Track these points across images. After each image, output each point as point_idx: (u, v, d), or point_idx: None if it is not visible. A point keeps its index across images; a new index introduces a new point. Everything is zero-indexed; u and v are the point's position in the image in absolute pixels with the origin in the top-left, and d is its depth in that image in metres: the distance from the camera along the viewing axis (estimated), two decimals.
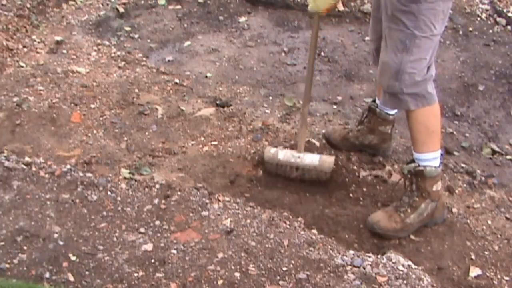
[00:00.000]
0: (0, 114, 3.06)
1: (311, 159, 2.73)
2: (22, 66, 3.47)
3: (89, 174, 2.69)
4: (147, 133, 3.02)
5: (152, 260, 2.27)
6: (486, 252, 2.44)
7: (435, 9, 2.26)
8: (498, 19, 4.13)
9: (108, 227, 2.42)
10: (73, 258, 2.26)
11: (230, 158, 2.87)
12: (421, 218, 2.50)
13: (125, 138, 2.98)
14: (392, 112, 2.82)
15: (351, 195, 2.71)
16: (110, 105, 3.20)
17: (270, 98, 3.34)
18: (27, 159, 2.75)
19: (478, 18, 4.13)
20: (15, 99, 3.17)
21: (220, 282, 2.19)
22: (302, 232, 2.44)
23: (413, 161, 2.51)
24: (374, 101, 2.86)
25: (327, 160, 2.72)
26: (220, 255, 2.31)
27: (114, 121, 3.08)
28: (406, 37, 2.28)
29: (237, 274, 2.23)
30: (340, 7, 4.18)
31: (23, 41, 3.71)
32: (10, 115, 3.05)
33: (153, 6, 4.26)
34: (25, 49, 3.63)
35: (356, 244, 2.46)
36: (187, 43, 3.86)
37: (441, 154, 2.50)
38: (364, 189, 2.74)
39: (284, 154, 2.74)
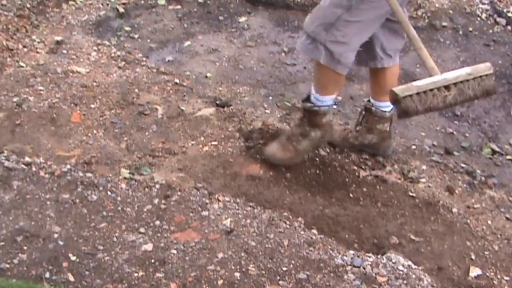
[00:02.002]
0: (0, 114, 3.06)
1: (458, 72, 2.19)
2: (22, 66, 3.46)
3: (89, 174, 2.69)
4: (147, 133, 3.02)
5: (152, 260, 2.27)
6: (486, 252, 2.44)
7: None
8: (498, 19, 4.13)
9: (108, 227, 2.42)
10: (73, 258, 2.26)
11: (230, 158, 2.87)
12: (312, 143, 2.75)
13: (125, 138, 2.98)
14: (388, 109, 2.82)
15: (351, 195, 2.71)
16: (110, 105, 3.20)
17: (270, 98, 3.34)
18: (27, 159, 2.75)
19: (478, 18, 4.12)
20: (15, 99, 3.17)
21: (220, 282, 2.19)
22: (302, 232, 2.44)
23: (308, 99, 2.69)
24: (369, 100, 2.86)
25: (481, 65, 2.23)
26: (220, 255, 2.31)
27: (114, 121, 3.08)
28: None
29: (237, 274, 2.23)
30: None
31: (23, 41, 3.71)
32: (10, 115, 3.05)
33: (153, 6, 4.25)
34: (25, 49, 3.63)
35: (356, 244, 2.46)
36: (187, 43, 3.86)
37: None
38: (364, 189, 2.74)
39: (420, 82, 2.20)
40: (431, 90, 2.16)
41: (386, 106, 2.81)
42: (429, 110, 2.21)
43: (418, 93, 2.15)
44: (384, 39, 2.63)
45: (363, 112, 2.88)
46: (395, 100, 2.20)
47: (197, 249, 2.33)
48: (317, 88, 2.67)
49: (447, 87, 2.15)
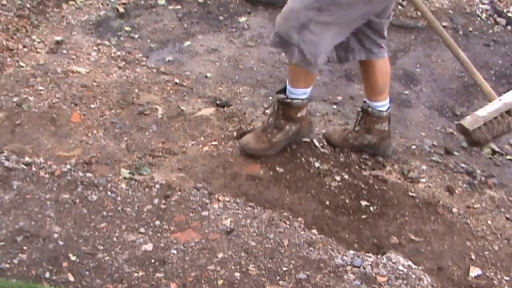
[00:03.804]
0: (0, 114, 3.06)
1: None
2: (22, 66, 3.47)
3: (89, 174, 2.69)
4: (147, 133, 3.02)
5: (152, 260, 2.27)
6: (486, 252, 2.44)
7: None
8: (498, 19, 4.13)
9: (108, 227, 2.42)
10: (73, 258, 2.26)
11: (230, 158, 2.87)
12: (286, 137, 2.80)
13: (125, 138, 2.98)
14: (384, 108, 2.82)
15: (351, 195, 2.71)
16: (110, 105, 3.20)
17: (270, 98, 3.34)
18: (27, 159, 2.76)
19: (478, 18, 4.13)
20: (15, 99, 3.17)
21: (220, 282, 2.19)
22: (302, 232, 2.44)
23: (284, 91, 2.73)
24: (365, 101, 2.86)
25: None
26: (220, 255, 2.31)
27: (114, 121, 3.08)
28: (324, 0, 2.39)
29: (237, 274, 2.23)
30: None
31: (23, 41, 3.71)
32: (10, 115, 3.05)
33: (153, 6, 4.25)
34: (25, 49, 3.63)
35: (356, 244, 2.46)
36: (187, 43, 3.86)
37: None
38: (364, 189, 2.73)
39: (483, 111, 2.30)
40: (495, 118, 2.27)
41: (382, 105, 2.81)
42: (497, 137, 2.36)
43: (485, 123, 2.26)
44: (361, 34, 2.63)
45: (361, 113, 2.88)
46: (465, 133, 2.29)
47: (197, 249, 2.33)
48: (289, 80, 2.72)
49: (508, 112, 2.28)
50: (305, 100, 2.77)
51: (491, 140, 2.33)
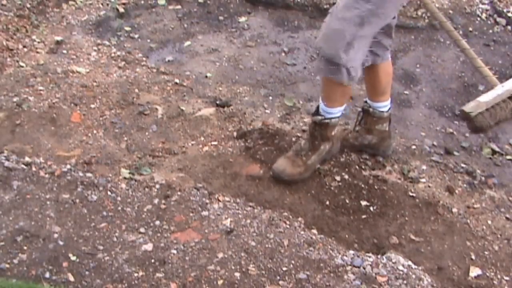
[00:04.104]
0: (0, 114, 3.06)
1: None
2: (22, 66, 3.47)
3: (89, 174, 2.69)
4: (147, 133, 3.02)
5: (152, 260, 2.27)
6: (486, 252, 2.44)
7: None
8: (498, 19, 4.13)
9: (108, 227, 2.42)
10: (73, 258, 2.26)
11: (230, 158, 2.87)
12: (320, 157, 2.74)
13: (125, 138, 2.98)
14: (386, 109, 2.82)
15: (351, 195, 2.71)
16: (110, 105, 3.20)
17: (270, 98, 3.34)
18: (27, 159, 2.76)
19: (478, 18, 4.12)
20: (15, 99, 3.17)
21: (220, 282, 2.19)
22: (302, 232, 2.44)
23: (318, 112, 2.69)
24: (366, 101, 2.86)
25: None
26: (220, 255, 2.31)
27: (114, 121, 3.08)
28: (365, 13, 2.34)
29: (237, 274, 2.23)
30: None
31: (23, 41, 3.71)
32: (10, 115, 3.05)
33: (153, 6, 4.26)
34: (25, 49, 3.63)
35: (356, 244, 2.46)
36: (187, 43, 3.86)
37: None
38: (364, 189, 2.73)
39: (486, 96, 2.35)
40: (497, 103, 2.29)
41: (384, 106, 2.81)
42: (499, 123, 2.37)
43: (487, 109, 2.29)
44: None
45: (361, 114, 2.88)
46: (467, 118, 2.32)
47: (197, 249, 2.33)
48: (326, 101, 2.65)
49: (510, 98, 2.30)
50: (341, 117, 2.73)
51: (493, 125, 2.36)
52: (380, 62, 2.70)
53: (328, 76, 2.54)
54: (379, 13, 2.38)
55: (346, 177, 2.78)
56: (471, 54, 2.42)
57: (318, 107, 2.71)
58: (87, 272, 2.21)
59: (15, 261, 2.23)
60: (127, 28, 3.99)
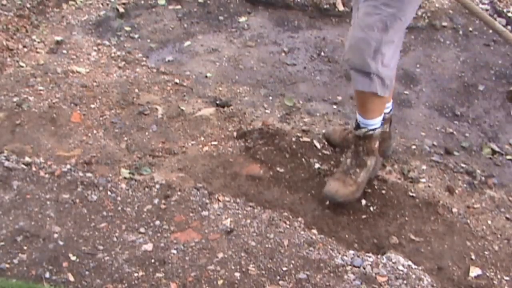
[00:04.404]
0: (0, 114, 3.06)
1: None
2: (22, 66, 3.47)
3: (89, 174, 2.69)
4: (147, 133, 3.02)
5: (152, 260, 2.27)
6: (486, 252, 2.44)
7: None
8: (498, 19, 4.12)
9: (108, 227, 2.42)
10: (73, 258, 2.26)
11: (230, 158, 2.87)
12: (368, 173, 2.64)
13: (125, 138, 2.98)
14: (387, 110, 2.82)
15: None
16: (110, 105, 3.20)
17: (270, 98, 3.34)
18: (27, 159, 2.76)
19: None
20: (15, 99, 3.17)
21: (220, 282, 2.19)
22: (302, 232, 2.44)
23: (358, 126, 2.60)
24: None
25: None
26: (220, 255, 2.31)
27: (114, 121, 3.08)
28: (387, 17, 2.31)
29: (237, 274, 2.23)
30: (340, 7, 4.18)
31: (23, 41, 3.71)
32: (10, 115, 3.05)
33: (153, 6, 4.26)
34: (25, 49, 3.64)
35: (356, 244, 2.46)
36: (187, 43, 3.86)
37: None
38: (364, 189, 2.73)
39: None
40: None
41: (385, 107, 2.81)
42: None
43: None
44: None
45: None
46: None
47: (197, 249, 2.33)
48: (364, 114, 2.57)
49: None
50: (381, 127, 2.64)
51: None
52: None
53: (362, 89, 2.47)
54: (401, 16, 2.34)
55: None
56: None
57: (357, 122, 2.61)
58: (87, 272, 2.21)
59: (15, 261, 2.23)
60: (127, 28, 3.99)
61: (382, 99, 2.52)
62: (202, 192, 2.62)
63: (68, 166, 2.73)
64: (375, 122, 2.58)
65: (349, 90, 3.45)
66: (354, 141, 2.64)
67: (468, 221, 2.59)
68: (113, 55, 3.66)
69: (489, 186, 2.79)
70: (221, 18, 4.14)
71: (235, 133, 3.03)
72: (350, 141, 2.89)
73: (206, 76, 3.52)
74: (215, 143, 2.97)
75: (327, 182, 2.62)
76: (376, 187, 2.74)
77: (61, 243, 2.32)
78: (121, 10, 4.18)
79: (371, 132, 2.59)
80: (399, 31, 2.40)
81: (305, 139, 2.96)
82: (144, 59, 3.67)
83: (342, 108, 3.28)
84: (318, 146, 2.94)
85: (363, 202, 2.66)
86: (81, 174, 2.69)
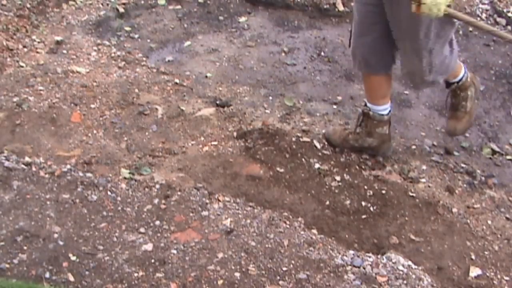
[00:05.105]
0: (0, 114, 3.06)
1: None
2: (22, 66, 3.47)
3: (89, 174, 2.69)
4: (147, 133, 3.02)
5: (152, 260, 2.27)
6: (486, 252, 2.44)
7: None
8: (498, 19, 4.12)
9: (108, 227, 2.42)
10: (73, 258, 2.26)
11: (230, 158, 2.87)
12: (472, 100, 2.93)
13: (125, 138, 2.98)
14: (386, 112, 2.82)
15: (351, 195, 2.71)
16: (110, 105, 3.20)
17: (270, 98, 3.34)
18: (27, 159, 2.76)
19: (478, 18, 4.12)
20: (15, 99, 3.17)
21: (220, 282, 2.19)
22: (302, 232, 2.44)
23: (449, 84, 2.89)
24: (365, 105, 2.86)
25: None
26: (220, 255, 2.31)
27: (114, 121, 3.08)
28: (451, 34, 2.61)
29: (237, 274, 2.23)
30: (340, 7, 4.18)
31: (23, 41, 3.71)
32: (10, 115, 3.05)
33: (153, 6, 4.26)
34: (25, 49, 3.64)
35: (356, 244, 2.46)
36: (187, 43, 3.86)
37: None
38: (364, 189, 2.73)
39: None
40: None
41: (384, 109, 2.81)
42: None
43: None
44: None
45: (361, 116, 2.88)
46: None
47: (197, 249, 2.33)
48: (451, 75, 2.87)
49: None
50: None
51: None
52: (388, 71, 2.77)
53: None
54: (442, 20, 2.48)
55: (346, 177, 2.78)
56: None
57: (449, 82, 2.88)
58: (87, 272, 2.21)
59: (15, 261, 2.23)
60: (127, 28, 3.99)
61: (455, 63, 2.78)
62: (202, 192, 2.62)
63: (68, 166, 2.73)
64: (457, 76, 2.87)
65: (349, 90, 3.45)
66: (453, 88, 2.89)
67: (468, 221, 2.59)
68: (113, 55, 3.66)
69: (489, 186, 2.79)
70: (221, 18, 4.14)
71: (235, 133, 3.03)
72: (349, 141, 2.90)
73: (206, 76, 3.53)
74: (215, 143, 2.97)
75: (447, 125, 2.93)
76: (376, 187, 2.74)
77: (61, 243, 2.32)
78: (121, 10, 4.18)
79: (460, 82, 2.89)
80: (448, 29, 2.58)
81: (305, 139, 2.96)
82: (144, 59, 3.67)
83: (342, 108, 3.28)
84: (318, 146, 2.94)
85: (363, 202, 2.66)
86: (81, 174, 2.69)
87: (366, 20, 2.64)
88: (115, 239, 2.37)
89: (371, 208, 2.63)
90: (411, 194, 2.71)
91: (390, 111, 2.84)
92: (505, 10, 4.18)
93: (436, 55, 2.58)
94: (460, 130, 2.94)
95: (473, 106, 2.93)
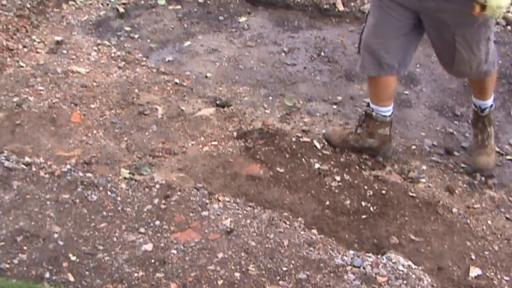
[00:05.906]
0: (0, 114, 3.06)
1: None
2: (22, 66, 3.47)
3: (89, 174, 2.69)
4: (147, 133, 3.02)
5: (152, 260, 2.27)
6: (486, 252, 2.44)
7: None
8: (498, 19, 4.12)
9: (108, 227, 2.42)
10: (73, 258, 2.26)
11: (230, 158, 2.87)
12: (493, 139, 2.95)
13: (125, 138, 2.98)
14: (389, 113, 2.82)
15: (351, 195, 2.71)
16: (110, 105, 3.20)
17: (270, 98, 3.34)
18: (27, 159, 2.76)
19: None
20: (15, 99, 3.17)
21: (220, 282, 2.19)
22: (302, 232, 2.44)
23: (482, 109, 2.91)
24: (368, 105, 2.86)
25: None
26: (220, 255, 2.31)
27: (114, 121, 3.08)
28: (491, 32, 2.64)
29: (237, 274, 2.23)
30: (340, 7, 4.18)
31: (23, 41, 3.71)
32: (10, 115, 3.05)
33: (153, 6, 4.26)
34: (25, 49, 3.64)
35: (356, 244, 2.46)
36: (187, 43, 3.86)
37: None
38: (364, 189, 2.73)
39: None
40: None
41: (387, 110, 2.81)
42: None
43: None
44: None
45: (363, 117, 2.88)
46: None
47: (197, 249, 2.33)
48: (486, 96, 2.93)
49: None
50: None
51: None
52: (405, 72, 2.80)
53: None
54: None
55: (346, 177, 2.78)
56: None
57: (479, 107, 2.91)
58: (87, 272, 2.21)
59: (15, 261, 2.23)
60: (127, 28, 3.99)
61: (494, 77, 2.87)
62: (202, 192, 2.62)
63: (68, 166, 2.73)
64: (490, 101, 2.93)
65: (349, 90, 3.45)
66: (482, 120, 2.92)
67: (468, 221, 2.59)
68: (113, 55, 3.66)
69: (489, 186, 2.79)
70: (221, 18, 4.14)
71: (235, 133, 3.03)
72: (350, 141, 2.89)
73: (206, 76, 3.53)
74: (215, 143, 2.97)
75: (476, 160, 2.88)
76: (376, 187, 2.74)
77: (61, 243, 2.32)
78: (121, 10, 4.18)
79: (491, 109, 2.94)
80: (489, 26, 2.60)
81: (305, 139, 2.96)
82: (144, 59, 3.68)
83: (342, 108, 3.28)
84: (318, 146, 2.94)
85: (363, 202, 2.66)
86: (81, 174, 2.69)
87: (393, 23, 2.62)
88: (115, 239, 2.37)
89: (371, 208, 2.63)
90: (411, 194, 2.71)
91: (392, 112, 2.84)
92: None
93: (491, 44, 2.63)
94: (493, 165, 2.89)
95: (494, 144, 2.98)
